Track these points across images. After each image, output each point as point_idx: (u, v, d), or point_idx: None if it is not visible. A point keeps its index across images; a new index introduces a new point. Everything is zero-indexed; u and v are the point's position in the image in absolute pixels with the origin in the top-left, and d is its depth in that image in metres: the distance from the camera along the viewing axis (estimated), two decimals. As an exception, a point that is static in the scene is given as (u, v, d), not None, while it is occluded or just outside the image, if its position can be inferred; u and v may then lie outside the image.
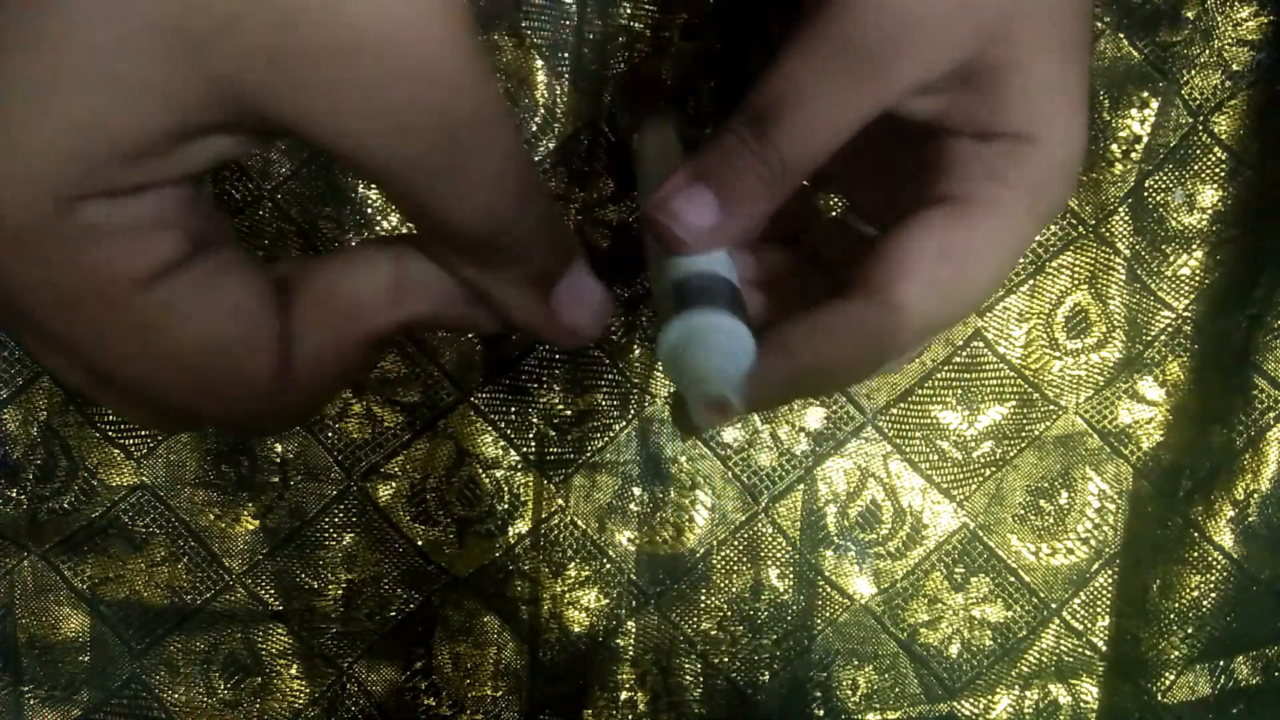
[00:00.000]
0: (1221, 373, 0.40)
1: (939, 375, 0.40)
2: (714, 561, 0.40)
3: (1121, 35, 0.38)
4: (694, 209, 0.23)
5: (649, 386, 0.39)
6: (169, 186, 0.18)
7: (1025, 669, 0.41)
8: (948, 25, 0.22)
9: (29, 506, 0.39)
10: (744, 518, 0.40)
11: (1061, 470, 0.40)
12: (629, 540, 0.40)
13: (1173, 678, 0.41)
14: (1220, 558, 0.40)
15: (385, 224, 0.38)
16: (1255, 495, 0.39)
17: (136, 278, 0.17)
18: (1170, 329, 0.40)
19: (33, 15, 0.15)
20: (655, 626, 0.41)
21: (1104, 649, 0.41)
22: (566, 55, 0.37)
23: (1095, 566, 0.41)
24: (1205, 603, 0.40)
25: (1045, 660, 0.41)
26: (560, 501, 0.40)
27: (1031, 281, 0.40)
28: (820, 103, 0.22)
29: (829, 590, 0.41)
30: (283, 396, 0.20)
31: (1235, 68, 0.38)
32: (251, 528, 0.40)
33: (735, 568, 0.41)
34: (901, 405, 0.40)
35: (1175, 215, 0.39)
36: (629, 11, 0.36)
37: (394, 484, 0.40)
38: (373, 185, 0.37)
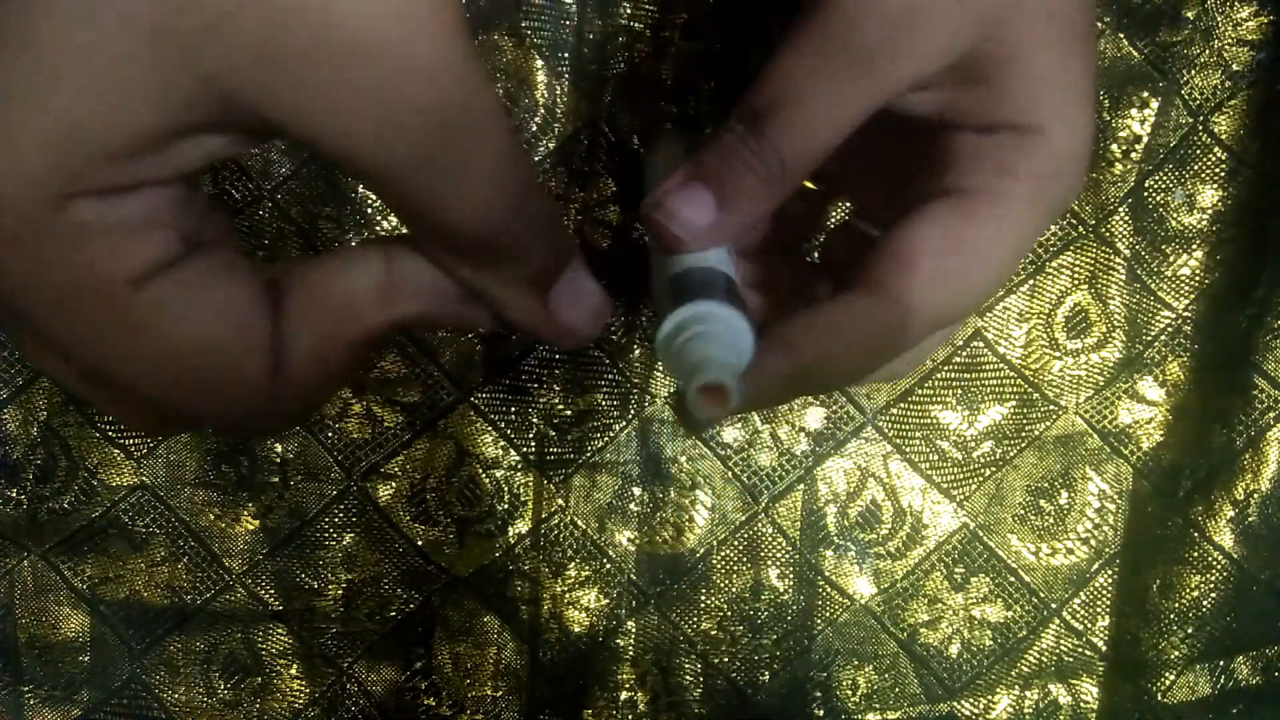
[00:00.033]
0: (1221, 373, 0.40)
1: (939, 375, 0.40)
2: (714, 561, 0.40)
3: (1121, 35, 0.38)
4: (691, 208, 0.23)
5: (649, 386, 0.39)
6: (161, 186, 0.18)
7: (1025, 669, 0.41)
8: (943, 18, 0.21)
9: (29, 506, 0.39)
10: (744, 518, 0.40)
11: (1061, 470, 0.40)
12: (629, 540, 0.40)
13: (1173, 678, 0.41)
14: (1220, 558, 0.40)
15: (385, 224, 0.38)
16: (1255, 495, 0.39)
17: (129, 276, 0.17)
18: (1170, 329, 0.40)
19: (22, 14, 0.15)
20: (655, 626, 0.41)
21: (1104, 649, 0.41)
22: (566, 55, 0.37)
23: (1095, 566, 0.41)
24: (1205, 603, 0.40)
25: (1045, 660, 0.41)
26: (560, 501, 0.40)
27: (1031, 281, 0.40)
28: (817, 100, 0.22)
29: (829, 590, 0.41)
30: (278, 397, 0.20)
31: (1235, 68, 0.38)
32: (251, 528, 0.40)
33: (735, 568, 0.41)
34: (901, 405, 0.40)
35: (1175, 215, 0.39)
36: (629, 11, 0.36)
37: (394, 484, 0.40)
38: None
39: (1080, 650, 0.41)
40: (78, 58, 0.15)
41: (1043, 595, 0.41)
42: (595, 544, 0.40)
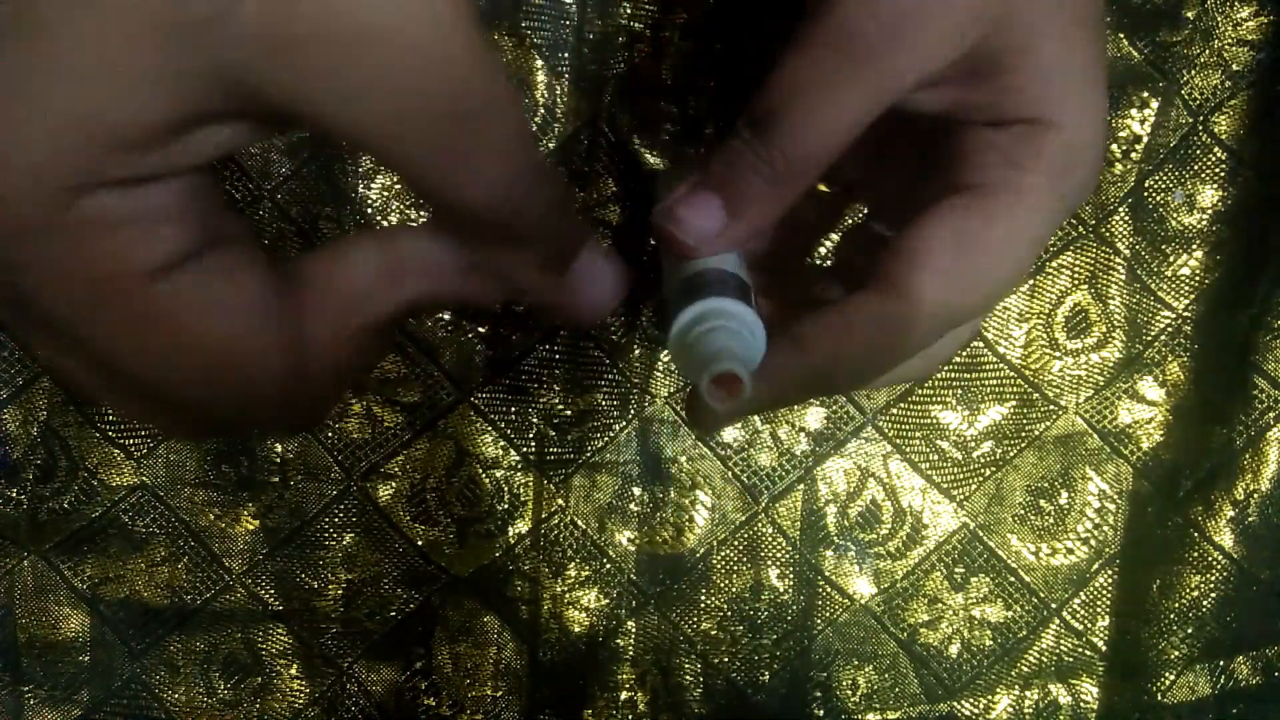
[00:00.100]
0: (1221, 373, 0.40)
1: (939, 375, 0.40)
2: (714, 561, 0.40)
3: (1121, 35, 0.38)
4: (701, 215, 0.23)
5: (649, 386, 0.39)
6: (175, 178, 0.18)
7: (1025, 669, 0.41)
8: (947, 14, 0.21)
9: (29, 506, 0.39)
10: (744, 518, 0.40)
11: (1061, 470, 0.40)
12: (629, 540, 0.40)
13: (1173, 678, 0.41)
14: (1220, 558, 0.40)
15: (386, 224, 0.38)
16: (1255, 495, 0.39)
17: (145, 269, 0.17)
18: (1170, 329, 0.40)
19: (30, 6, 0.15)
20: (655, 626, 0.41)
21: (1104, 649, 0.41)
22: (566, 55, 0.37)
23: (1095, 566, 0.41)
24: (1205, 603, 0.40)
25: (1045, 660, 0.41)
26: (560, 501, 0.40)
27: (1031, 281, 0.40)
28: (822, 101, 0.22)
29: (829, 590, 0.41)
30: (295, 391, 0.20)
31: (1235, 68, 0.38)
32: (251, 528, 0.40)
33: (735, 568, 0.41)
34: (901, 405, 0.40)
35: (1175, 215, 0.39)
36: (629, 11, 0.36)
37: (394, 484, 0.40)
38: (372, 185, 0.37)
39: (1080, 650, 0.41)
40: (87, 49, 0.15)
41: (1043, 595, 0.41)
42: (595, 544, 0.40)
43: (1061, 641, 0.41)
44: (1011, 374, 0.40)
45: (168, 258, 0.18)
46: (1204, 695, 0.41)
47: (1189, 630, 0.40)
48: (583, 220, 0.37)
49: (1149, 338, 0.40)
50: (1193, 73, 0.38)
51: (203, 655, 0.41)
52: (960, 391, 0.40)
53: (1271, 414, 0.39)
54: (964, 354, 0.40)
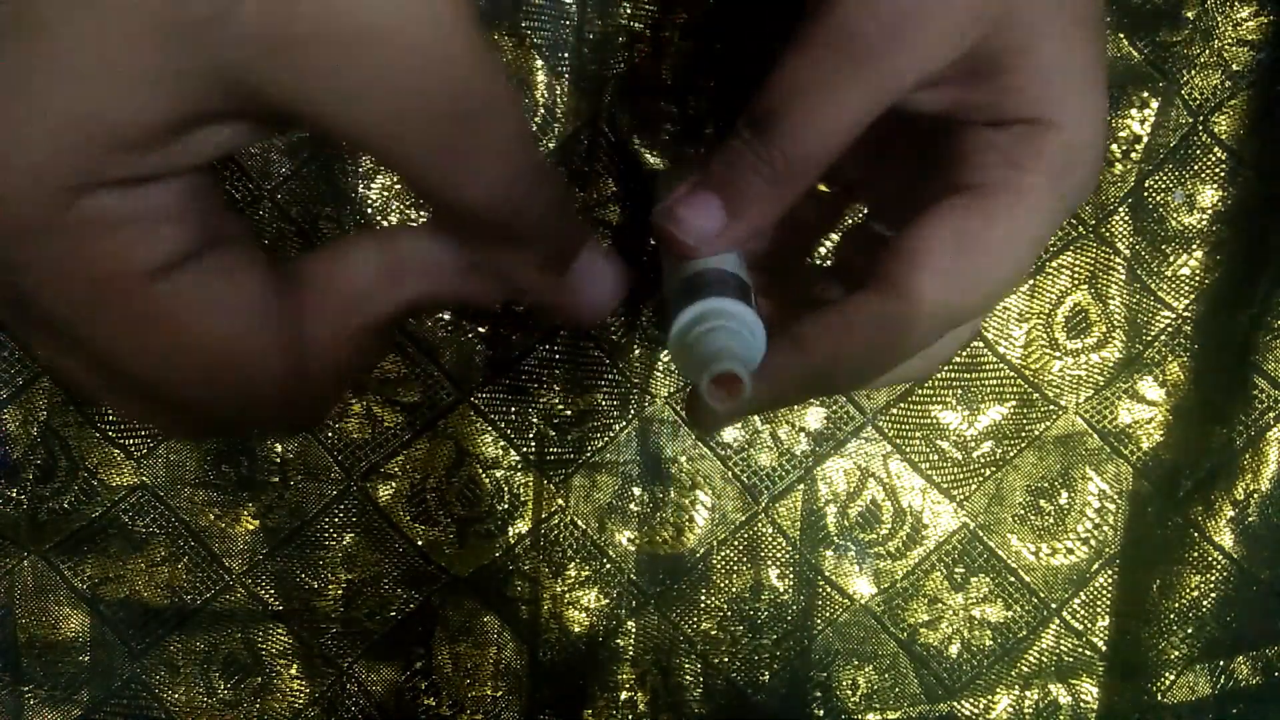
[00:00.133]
0: (1221, 373, 0.40)
1: (939, 375, 0.40)
2: (714, 561, 0.40)
3: (1121, 35, 0.38)
4: (700, 216, 0.23)
5: (649, 386, 0.39)
6: (175, 178, 0.18)
7: (1025, 669, 0.41)
8: (946, 14, 0.21)
9: (29, 506, 0.39)
10: (744, 518, 0.40)
11: (1061, 470, 0.40)
12: (629, 540, 0.40)
13: (1173, 678, 0.41)
14: (1220, 558, 0.40)
15: (386, 224, 0.38)
16: (1255, 495, 0.39)
17: (146, 269, 0.17)
18: (1170, 329, 0.40)
19: (29, 6, 0.15)
20: (655, 626, 0.41)
21: (1104, 649, 0.41)
22: (566, 55, 0.37)
23: (1095, 566, 0.41)
24: (1205, 603, 0.40)
25: (1045, 660, 0.41)
26: (560, 501, 0.40)
27: (1031, 281, 0.40)
28: (821, 101, 0.22)
29: (829, 590, 0.41)
30: (296, 391, 0.20)
31: (1235, 68, 0.38)
32: (251, 528, 0.40)
33: (735, 568, 0.41)
34: (901, 405, 0.40)
35: (1175, 215, 0.39)
36: (629, 11, 0.36)
37: (394, 484, 0.40)
38: (372, 185, 0.37)
39: (1080, 650, 0.41)
40: (87, 49, 0.15)
41: (1043, 595, 0.41)
42: (595, 544, 0.40)
43: (1061, 641, 0.41)
44: (1011, 374, 0.40)
45: (168, 258, 0.18)
46: (1204, 695, 0.41)
47: (1189, 630, 0.40)
48: (583, 220, 0.37)
49: (1149, 338, 0.40)
50: (1193, 73, 0.38)
51: (203, 655, 0.41)
52: (960, 391, 0.40)
53: (1271, 414, 0.39)
54: (964, 354, 0.40)
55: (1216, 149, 0.38)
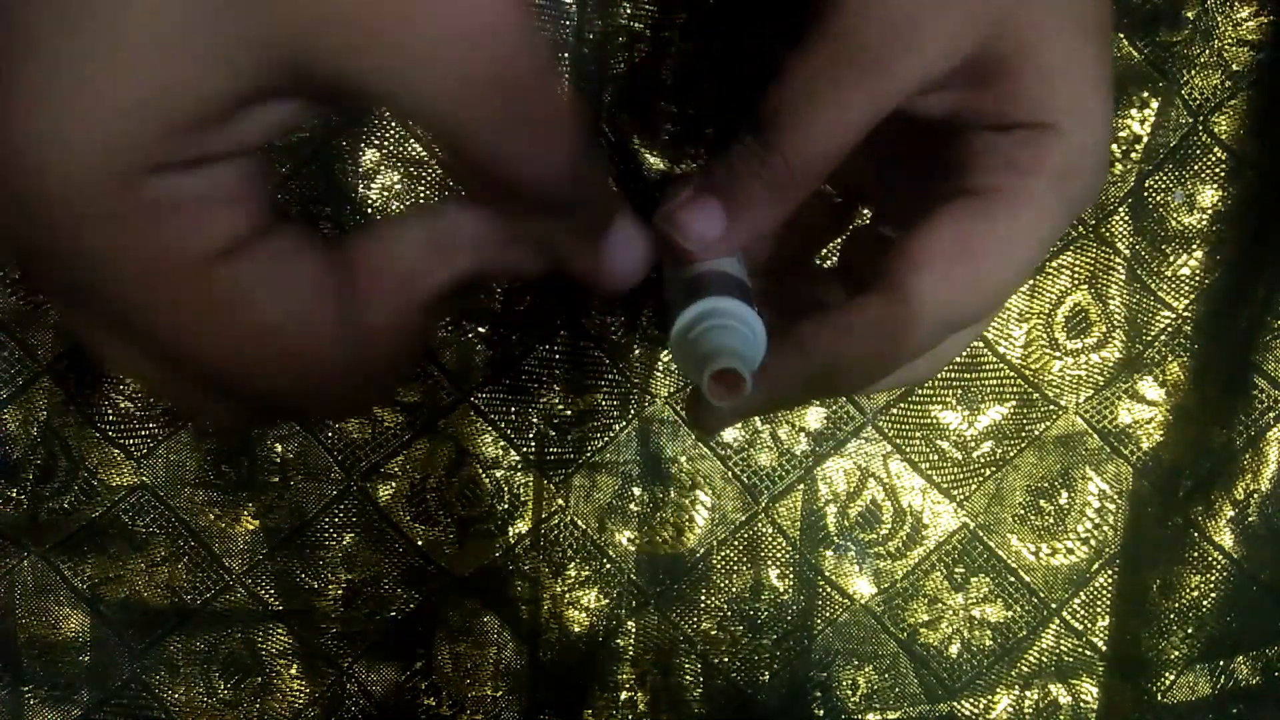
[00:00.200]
0: (1221, 373, 0.40)
1: (939, 375, 0.40)
2: (714, 561, 0.40)
3: (1121, 35, 0.38)
4: (701, 220, 0.24)
5: (649, 386, 0.39)
6: (234, 159, 0.17)
7: (1025, 669, 0.41)
8: (947, 19, 0.21)
9: (29, 506, 0.39)
10: (744, 518, 0.40)
11: (1061, 470, 0.40)
12: (629, 540, 0.40)
13: (1173, 678, 0.41)
14: (1220, 558, 0.40)
15: (385, 224, 0.38)
16: (1255, 495, 0.39)
17: (210, 252, 0.17)
18: (1170, 329, 0.40)
19: None
20: (655, 626, 0.41)
21: (1104, 649, 0.41)
22: (566, 55, 0.37)
23: (1095, 566, 0.41)
24: (1205, 603, 0.40)
25: (1045, 660, 0.41)
26: (560, 501, 0.40)
27: (1031, 281, 0.40)
28: (822, 106, 0.22)
29: (829, 590, 0.41)
30: (357, 374, 0.20)
31: (1235, 68, 0.38)
32: (251, 528, 0.40)
33: (735, 568, 0.41)
34: (901, 405, 0.40)
35: (1175, 215, 0.39)
36: (629, 11, 0.36)
37: (394, 484, 0.40)
38: (372, 185, 0.37)
39: (1080, 650, 0.41)
40: (146, 27, 0.15)
41: (1043, 595, 0.41)
42: (595, 544, 0.40)
43: (1061, 641, 0.41)
44: (1011, 374, 0.40)
45: (230, 240, 0.17)
46: (1204, 695, 0.41)
47: (1189, 630, 0.40)
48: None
49: (1149, 338, 0.40)
50: (1193, 73, 0.38)
51: (203, 655, 0.41)
52: (960, 391, 0.40)
53: (1271, 414, 0.39)
54: (964, 354, 0.40)
55: (1216, 149, 0.38)
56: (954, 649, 0.41)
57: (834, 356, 0.22)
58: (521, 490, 0.40)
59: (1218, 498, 0.40)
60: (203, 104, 0.16)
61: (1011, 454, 0.40)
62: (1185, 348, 0.40)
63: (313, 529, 0.40)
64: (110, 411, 0.39)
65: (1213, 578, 0.40)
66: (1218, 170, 0.39)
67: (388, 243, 0.21)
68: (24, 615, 0.40)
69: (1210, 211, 0.39)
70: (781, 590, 0.41)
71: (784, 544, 0.40)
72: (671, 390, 0.40)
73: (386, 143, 0.37)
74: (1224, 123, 0.38)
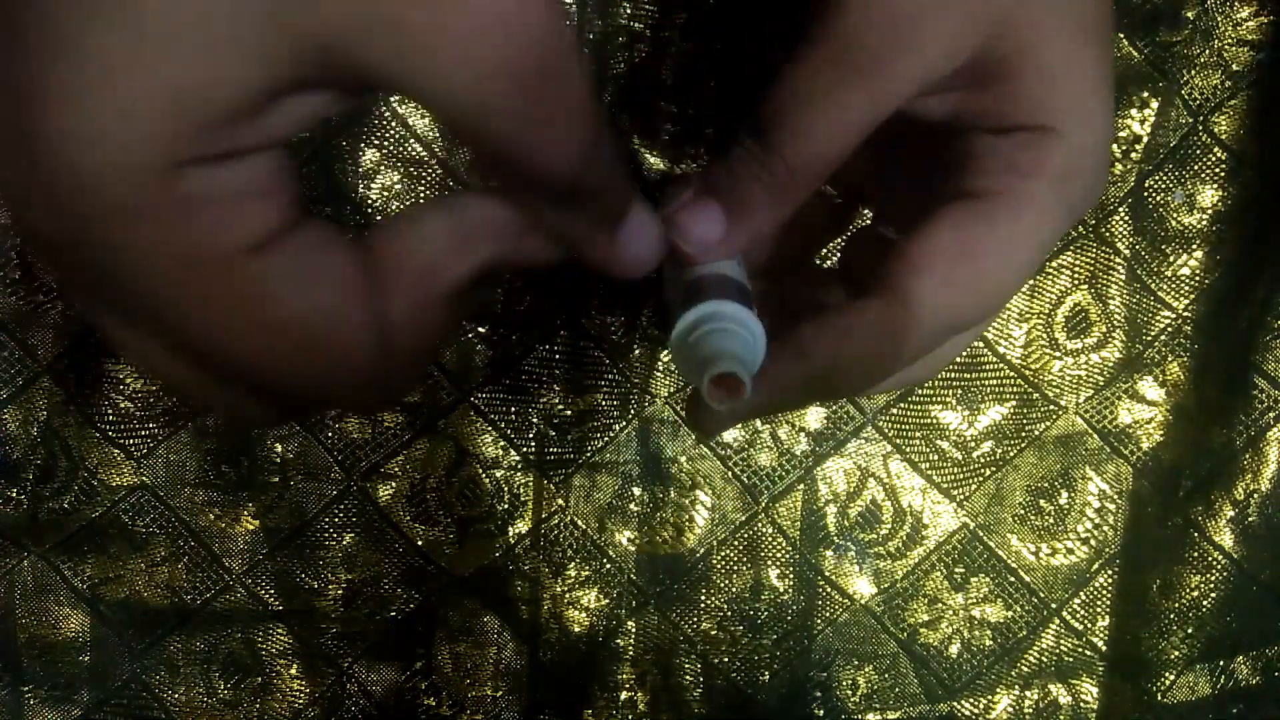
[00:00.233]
0: (1221, 373, 0.40)
1: (939, 375, 0.40)
2: (714, 561, 0.40)
3: (1121, 35, 0.38)
4: (701, 223, 0.24)
5: (649, 386, 0.39)
6: (266, 152, 0.18)
7: (1025, 669, 0.41)
8: (946, 21, 0.21)
9: (29, 506, 0.39)
10: (744, 518, 0.40)
11: (1061, 470, 0.40)
12: (629, 540, 0.40)
13: (1173, 678, 0.41)
14: (1220, 558, 0.40)
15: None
16: (1255, 495, 0.39)
17: (243, 245, 0.17)
18: (1170, 329, 0.40)
19: None
20: (655, 626, 0.41)
21: (1104, 649, 0.41)
22: (566, 55, 0.37)
23: (1095, 566, 0.41)
24: (1205, 603, 0.40)
25: (1045, 660, 0.41)
26: (560, 501, 0.40)
27: (1031, 281, 0.40)
28: (821, 109, 0.22)
29: (829, 590, 0.41)
30: (385, 365, 0.20)
31: (1235, 68, 0.38)
32: (251, 528, 0.40)
33: (735, 568, 0.41)
34: (901, 405, 0.40)
35: (1175, 215, 0.39)
36: (629, 11, 0.36)
37: (394, 484, 0.40)
38: (372, 185, 0.37)
39: (1080, 650, 0.41)
40: (182, 20, 0.15)
41: (1043, 595, 0.41)
42: (595, 544, 0.40)
43: (1061, 641, 0.41)
44: (1011, 374, 0.40)
45: (262, 234, 0.17)
46: (1204, 695, 0.41)
47: (1189, 630, 0.40)
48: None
49: (1149, 338, 0.40)
50: (1193, 73, 0.38)
51: (203, 655, 0.41)
52: (960, 391, 0.40)
53: (1271, 414, 0.39)
54: (964, 354, 0.40)
55: (1216, 149, 0.38)
56: (954, 649, 0.41)
57: (834, 360, 0.22)
58: (521, 490, 0.40)
59: (1218, 498, 0.40)
60: (236, 97, 0.16)
61: (1011, 454, 0.40)
62: (1185, 348, 0.40)
63: (313, 529, 0.40)
64: (110, 411, 0.39)
65: (1213, 578, 0.40)
66: (1218, 170, 0.39)
67: (407, 236, 0.21)
68: (24, 615, 0.40)
69: (1210, 211, 0.39)
70: (781, 590, 0.41)
71: (784, 544, 0.40)
72: (671, 390, 0.40)
73: (386, 143, 0.37)
74: (1224, 123, 0.38)
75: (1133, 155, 0.39)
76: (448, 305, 0.21)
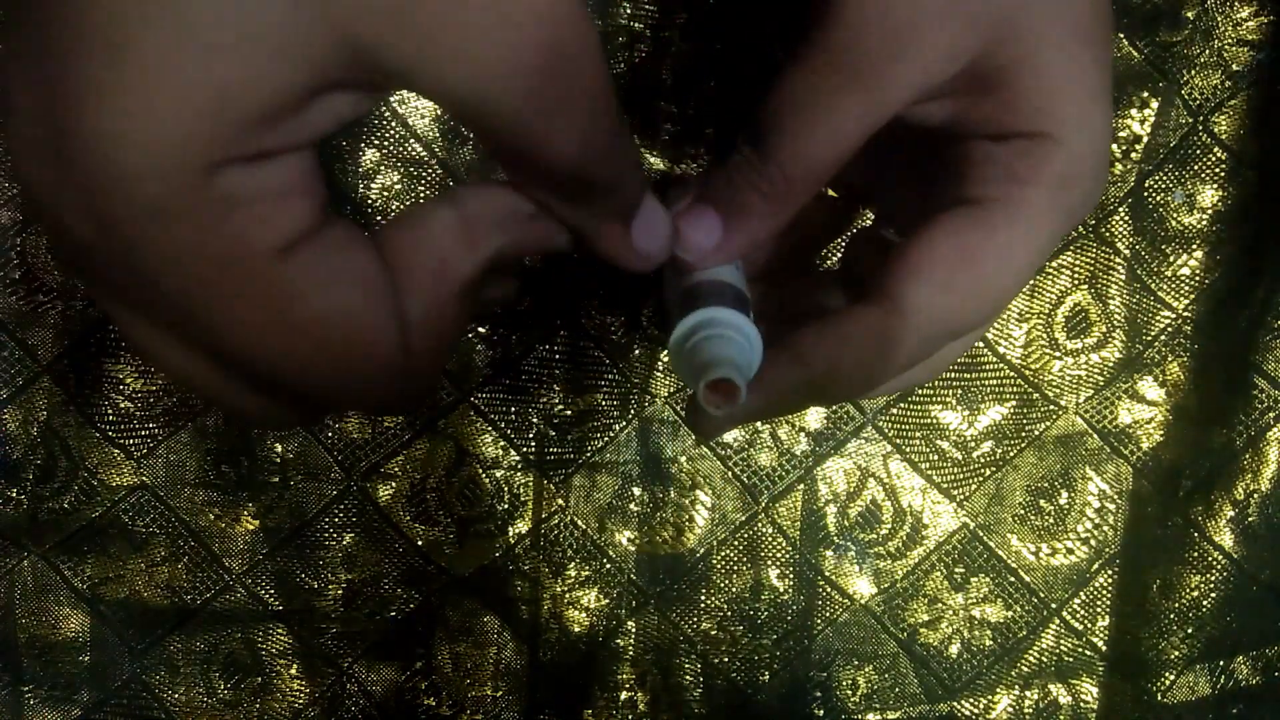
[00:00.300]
0: (1221, 373, 0.40)
1: (939, 375, 0.40)
2: (714, 561, 0.40)
3: (1121, 35, 0.38)
4: (699, 230, 0.24)
5: (649, 386, 0.39)
6: (297, 152, 0.18)
7: (1025, 669, 0.41)
8: (943, 28, 0.21)
9: (29, 506, 0.39)
10: (744, 518, 0.40)
11: (1061, 470, 0.40)
12: (629, 540, 0.40)
13: (1173, 678, 0.41)
14: (1220, 558, 0.40)
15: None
16: (1255, 495, 0.39)
17: (275, 246, 0.17)
18: (1170, 329, 0.40)
19: None
20: (655, 626, 0.41)
21: (1104, 649, 0.41)
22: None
23: (1095, 566, 0.41)
24: (1205, 603, 0.40)
25: (1045, 660, 0.41)
26: (560, 501, 0.40)
27: (1032, 281, 0.40)
28: (819, 115, 0.22)
29: (829, 590, 0.41)
30: (407, 366, 0.20)
31: (1235, 68, 0.38)
32: (251, 528, 0.40)
33: (735, 568, 0.41)
34: (901, 405, 0.40)
35: (1175, 215, 0.39)
36: (629, 11, 0.36)
37: (394, 484, 0.40)
38: (372, 185, 0.37)
39: (1080, 650, 0.41)
40: (218, 22, 0.15)
41: (1043, 595, 0.41)
42: (595, 544, 0.40)
43: (1061, 641, 0.41)
44: (1011, 374, 0.40)
45: (293, 234, 0.18)
46: (1204, 695, 0.41)
47: (1189, 630, 0.40)
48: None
49: (1149, 338, 0.40)
50: (1193, 73, 0.38)
51: (203, 655, 0.41)
52: (960, 391, 0.40)
53: (1271, 414, 0.39)
54: (964, 354, 0.40)
55: (1216, 149, 0.38)
56: (954, 649, 0.41)
57: (832, 365, 0.22)
58: (521, 490, 0.40)
59: (1218, 498, 0.40)
60: (276, 98, 0.16)
61: (1011, 454, 0.40)
62: (1185, 348, 0.40)
63: (313, 529, 0.40)
64: (110, 411, 0.39)
65: (1213, 578, 0.40)
66: (1218, 170, 0.39)
67: (417, 232, 0.21)
68: (24, 615, 0.40)
69: (1210, 211, 0.39)
70: (781, 590, 0.41)
71: (784, 544, 0.40)
72: (671, 390, 0.40)
73: (386, 143, 0.37)
74: (1224, 123, 0.38)
75: (1133, 155, 0.39)
76: (461, 301, 0.21)
